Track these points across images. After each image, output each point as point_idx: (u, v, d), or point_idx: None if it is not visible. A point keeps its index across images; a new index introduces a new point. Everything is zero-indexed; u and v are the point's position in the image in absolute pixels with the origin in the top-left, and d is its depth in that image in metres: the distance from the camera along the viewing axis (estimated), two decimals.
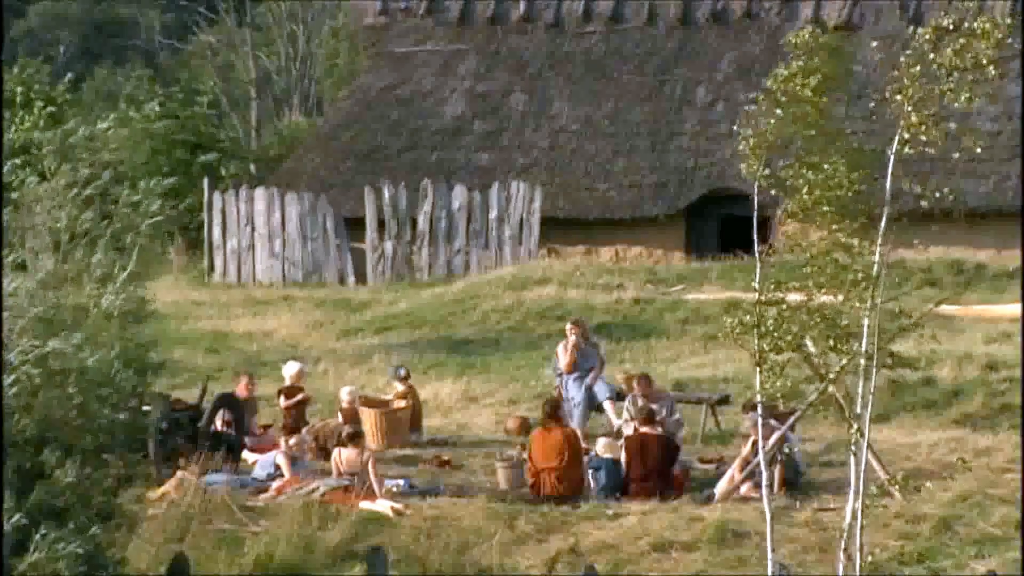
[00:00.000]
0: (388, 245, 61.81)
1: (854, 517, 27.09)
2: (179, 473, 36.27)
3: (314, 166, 65.54)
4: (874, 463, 30.42)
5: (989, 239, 44.72)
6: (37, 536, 26.40)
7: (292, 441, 38.79)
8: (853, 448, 27.75)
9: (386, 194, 61.99)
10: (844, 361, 27.44)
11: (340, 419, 39.84)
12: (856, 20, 61.92)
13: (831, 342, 27.36)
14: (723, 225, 58.94)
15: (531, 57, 66.14)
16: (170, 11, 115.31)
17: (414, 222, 61.69)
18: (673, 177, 61.13)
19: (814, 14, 60.74)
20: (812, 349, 27.80)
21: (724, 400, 39.26)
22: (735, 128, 33.42)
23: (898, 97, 26.35)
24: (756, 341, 27.00)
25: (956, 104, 26.90)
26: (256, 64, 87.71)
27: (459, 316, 52.13)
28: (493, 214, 60.98)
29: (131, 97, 77.01)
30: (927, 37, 28.16)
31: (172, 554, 31.24)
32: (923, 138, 25.82)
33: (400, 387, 41.05)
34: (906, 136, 26.06)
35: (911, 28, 31.85)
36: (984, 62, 26.97)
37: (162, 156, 67.68)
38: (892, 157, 26.32)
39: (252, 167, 70.30)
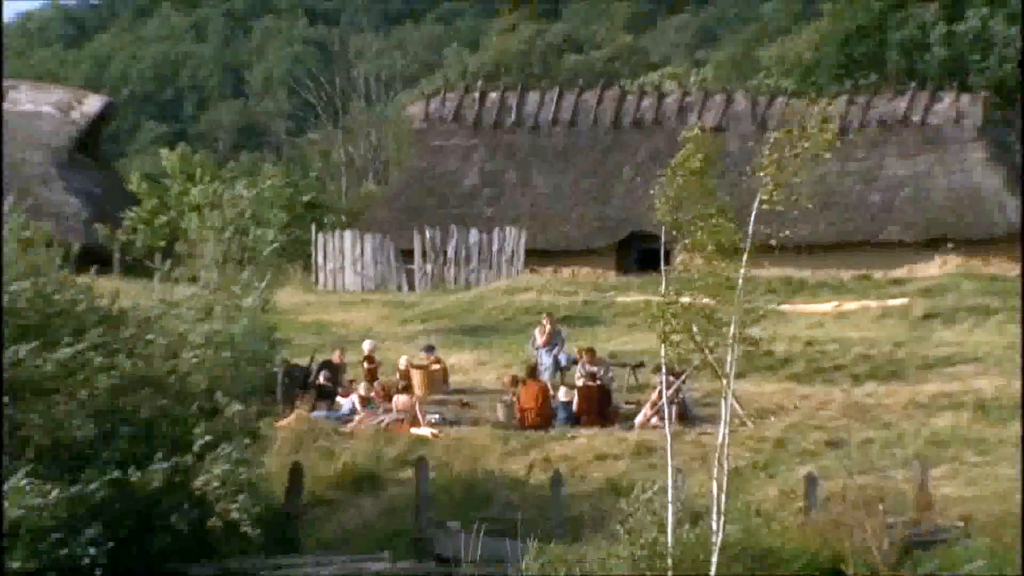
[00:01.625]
0: (428, 267, 62.55)
1: (723, 439, 27.02)
2: (296, 410, 37.22)
3: (381, 217, 66.65)
4: (735, 405, 30.22)
5: (809, 262, 45.05)
6: (217, 449, 28.82)
7: (362, 391, 38.98)
8: (723, 395, 27.53)
9: (427, 235, 62.53)
10: (716, 340, 27.60)
11: (398, 376, 40.02)
12: (725, 124, 62.48)
13: (709, 328, 27.48)
14: (641, 254, 59.78)
15: (519, 148, 66.83)
16: (291, 119, 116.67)
17: (445, 253, 62.54)
18: (610, 223, 62.66)
19: (698, 119, 60.61)
20: (696, 332, 27.61)
21: (640, 364, 39.94)
22: (652, 192, 33.44)
23: (760, 173, 26.48)
24: (661, 327, 27.25)
25: (794, 179, 28.04)
26: (345, 152, 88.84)
27: (473, 312, 52.82)
28: (495, 247, 61.97)
29: (266, 172, 78.18)
30: (776, 136, 30.00)
31: (292, 461, 32.85)
32: (774, 199, 26.34)
33: (424, 357, 41.38)
34: (764, 198, 26.41)
35: (759, 130, 33.22)
36: (813, 155, 28.23)
37: (286, 210, 68.07)
38: (754, 211, 26.63)
39: (343, 217, 71.38)
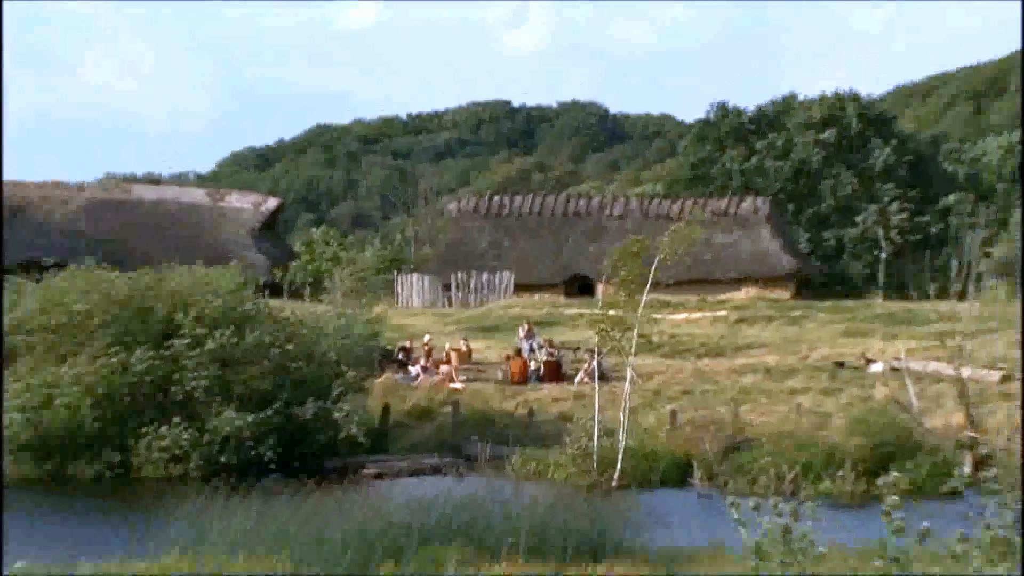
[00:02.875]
0: (459, 294, 64.09)
1: (627, 390, 30.87)
2: (385, 374, 39.06)
3: (432, 266, 68.49)
4: (632, 371, 32.24)
5: (675, 291, 43.86)
6: (344, 395, 32.03)
7: (422, 363, 40.72)
8: (627, 365, 31.50)
9: (458, 276, 64.41)
10: (623, 334, 31.72)
11: (445, 356, 41.40)
12: (624, 214, 65.72)
13: (619, 327, 31.72)
14: (578, 287, 62.15)
15: (511, 227, 68.09)
16: (384, 211, 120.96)
17: (468, 285, 64.49)
18: (561, 269, 64.38)
19: (609, 211, 65.28)
20: (612, 329, 31.68)
21: (578, 348, 41.25)
22: (604, 258, 36.68)
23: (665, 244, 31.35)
24: (595, 326, 31.65)
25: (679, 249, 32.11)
26: (413, 230, 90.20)
27: (484, 319, 53.88)
28: (497, 282, 63.75)
29: (372, 243, 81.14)
30: (672, 229, 33.74)
31: (383, 403, 35.51)
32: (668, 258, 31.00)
33: (463, 344, 42.84)
34: (663, 256, 31.18)
35: (643, 217, 35.86)
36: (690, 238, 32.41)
37: (385, 264, 70.36)
38: (655, 264, 31.08)
39: (411, 266, 72.45)
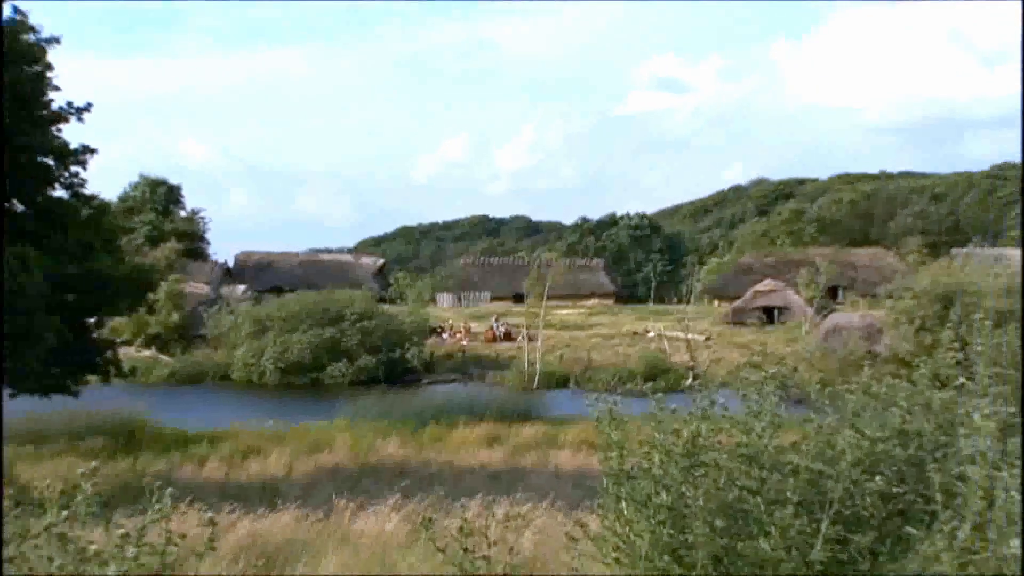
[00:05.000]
0: (464, 302, 55.49)
1: (539, 344, 29.23)
2: (431, 338, 35.27)
3: (452, 287, 58.13)
4: (540, 336, 30.35)
5: (562, 300, 43.84)
6: (409, 348, 30.03)
7: (447, 333, 37.04)
8: (540, 333, 29.77)
9: (464, 293, 56.58)
10: (536, 319, 29.81)
11: (459, 329, 37.55)
12: (539, 264, 49.87)
13: (535, 316, 29.54)
14: (517, 298, 50.04)
15: (493, 271, 58.54)
16: (431, 264, 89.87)
17: (472, 297, 56.13)
18: (510, 290, 53.88)
19: (531, 264, 50.21)
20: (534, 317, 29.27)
21: (518, 326, 34.92)
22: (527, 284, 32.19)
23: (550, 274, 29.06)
24: (526, 316, 28.91)
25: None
26: (441, 271, 68.67)
27: (476, 313, 46.65)
28: (481, 296, 56.03)
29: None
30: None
31: (431, 351, 32.64)
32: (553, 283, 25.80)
33: (466, 324, 38.37)
34: (550, 283, 27.58)
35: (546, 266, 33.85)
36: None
37: (430, 288, 54.44)
38: (547, 285, 26.92)
39: (444, 289, 58.69)
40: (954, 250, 38.31)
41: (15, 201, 10.85)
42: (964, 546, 2.82)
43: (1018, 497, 2.78)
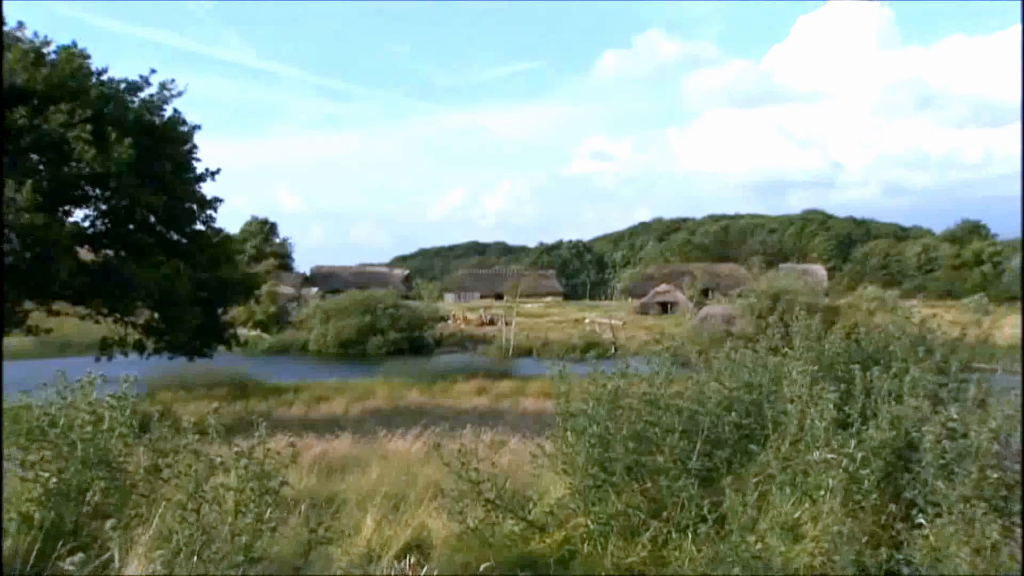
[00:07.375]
0: (462, 299, 49.87)
1: (511, 328, 28.10)
2: (440, 323, 33.22)
3: (454, 288, 53.07)
4: (514, 321, 29.37)
5: (529, 297, 40.70)
6: (426, 330, 28.67)
7: (452, 320, 34.13)
8: (514, 319, 28.97)
9: (462, 293, 51.90)
10: (511, 310, 28.80)
11: (459, 318, 35.25)
12: (514, 275, 47.83)
13: (510, 309, 28.44)
14: (499, 296, 46.42)
15: (478, 278, 54.43)
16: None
17: (464, 296, 51.14)
18: (493, 289, 50.34)
19: (507, 273, 49.72)
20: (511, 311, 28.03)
21: (501, 314, 33.26)
22: (505, 286, 30.04)
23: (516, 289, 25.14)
24: (505, 309, 27.11)
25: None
26: (449, 280, 57.32)
27: (471, 306, 42.53)
28: (472, 295, 51.00)
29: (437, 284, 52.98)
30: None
31: (440, 332, 30.83)
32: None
33: (464, 314, 36.15)
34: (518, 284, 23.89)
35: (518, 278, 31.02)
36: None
37: (439, 290, 49.99)
38: (520, 288, 24.43)
39: (449, 290, 52.67)
40: (780, 265, 40.51)
41: (172, 232, 11.73)
42: (785, 455, 2.97)
43: (821, 424, 2.92)
